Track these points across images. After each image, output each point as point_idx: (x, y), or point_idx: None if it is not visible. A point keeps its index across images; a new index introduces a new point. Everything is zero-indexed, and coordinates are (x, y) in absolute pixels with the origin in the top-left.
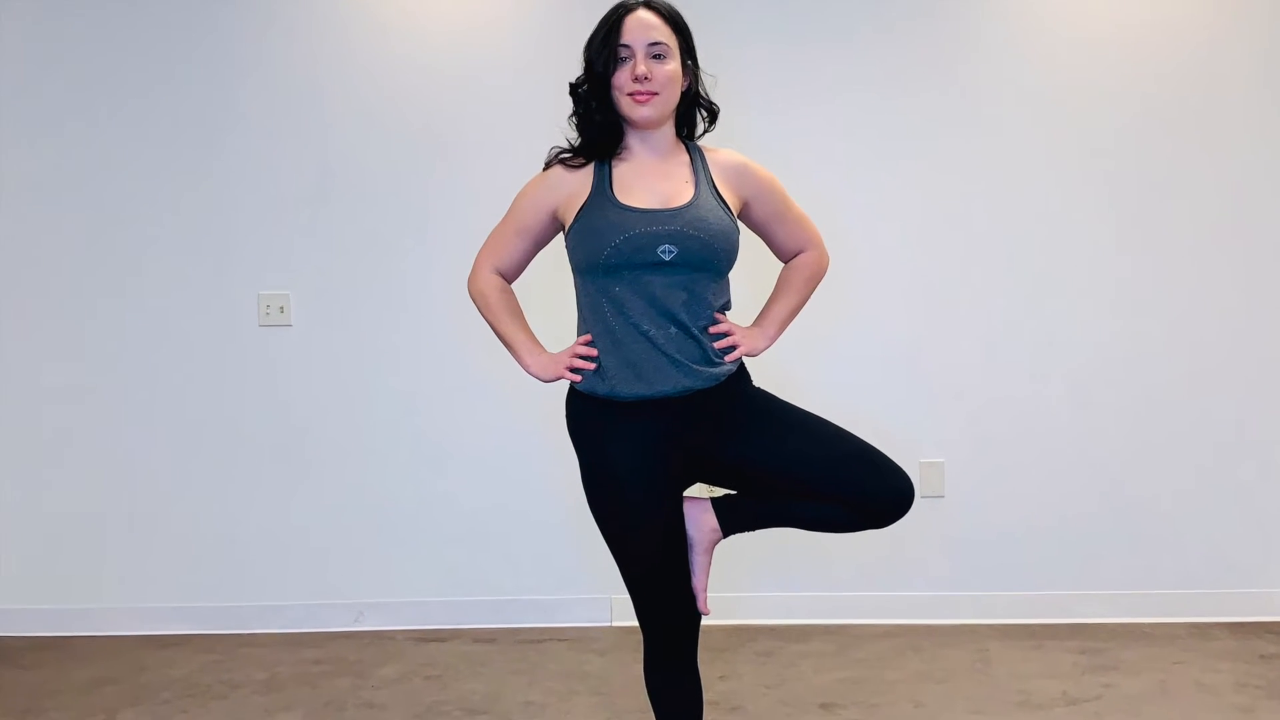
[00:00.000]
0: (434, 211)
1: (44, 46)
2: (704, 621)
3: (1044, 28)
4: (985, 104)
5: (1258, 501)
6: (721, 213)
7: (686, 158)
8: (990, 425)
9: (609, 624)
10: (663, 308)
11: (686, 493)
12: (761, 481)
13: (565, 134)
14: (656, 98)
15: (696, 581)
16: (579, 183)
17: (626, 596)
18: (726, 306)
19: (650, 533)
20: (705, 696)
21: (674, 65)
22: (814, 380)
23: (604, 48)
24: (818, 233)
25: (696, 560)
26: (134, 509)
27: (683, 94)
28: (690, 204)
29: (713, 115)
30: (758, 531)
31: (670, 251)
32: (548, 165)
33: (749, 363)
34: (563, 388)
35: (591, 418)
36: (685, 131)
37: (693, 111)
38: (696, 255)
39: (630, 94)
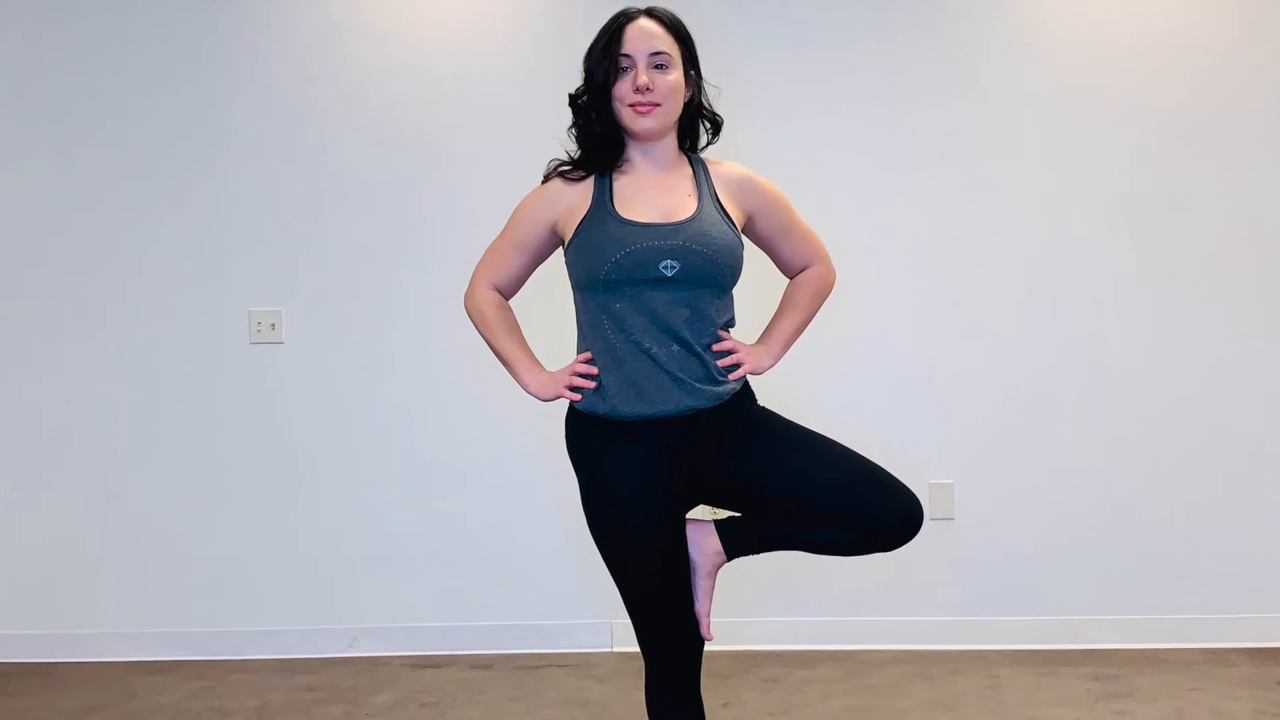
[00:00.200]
0: (430, 226)
1: (29, 58)
2: (707, 647)
3: (1055, 38)
4: (995, 116)
5: (1276, 523)
6: (725, 227)
7: (689, 170)
8: (1001, 446)
9: (610, 650)
10: (665, 325)
11: (689, 515)
12: (766, 503)
13: (564, 146)
14: (658, 109)
15: (699, 606)
16: (578, 196)
17: (628, 621)
18: (730, 323)
19: (652, 556)
20: None
21: (676, 75)
22: (820, 399)
23: (604, 57)
24: (824, 247)
25: (699, 584)
26: (123, 532)
27: (685, 105)
28: (693, 218)
29: (716, 127)
30: (762, 555)
31: (672, 267)
32: (546, 178)
33: (753, 381)
34: (562, 407)
35: (592, 438)
36: (688, 143)
37: (695, 123)
38: (699, 271)
39: (631, 105)
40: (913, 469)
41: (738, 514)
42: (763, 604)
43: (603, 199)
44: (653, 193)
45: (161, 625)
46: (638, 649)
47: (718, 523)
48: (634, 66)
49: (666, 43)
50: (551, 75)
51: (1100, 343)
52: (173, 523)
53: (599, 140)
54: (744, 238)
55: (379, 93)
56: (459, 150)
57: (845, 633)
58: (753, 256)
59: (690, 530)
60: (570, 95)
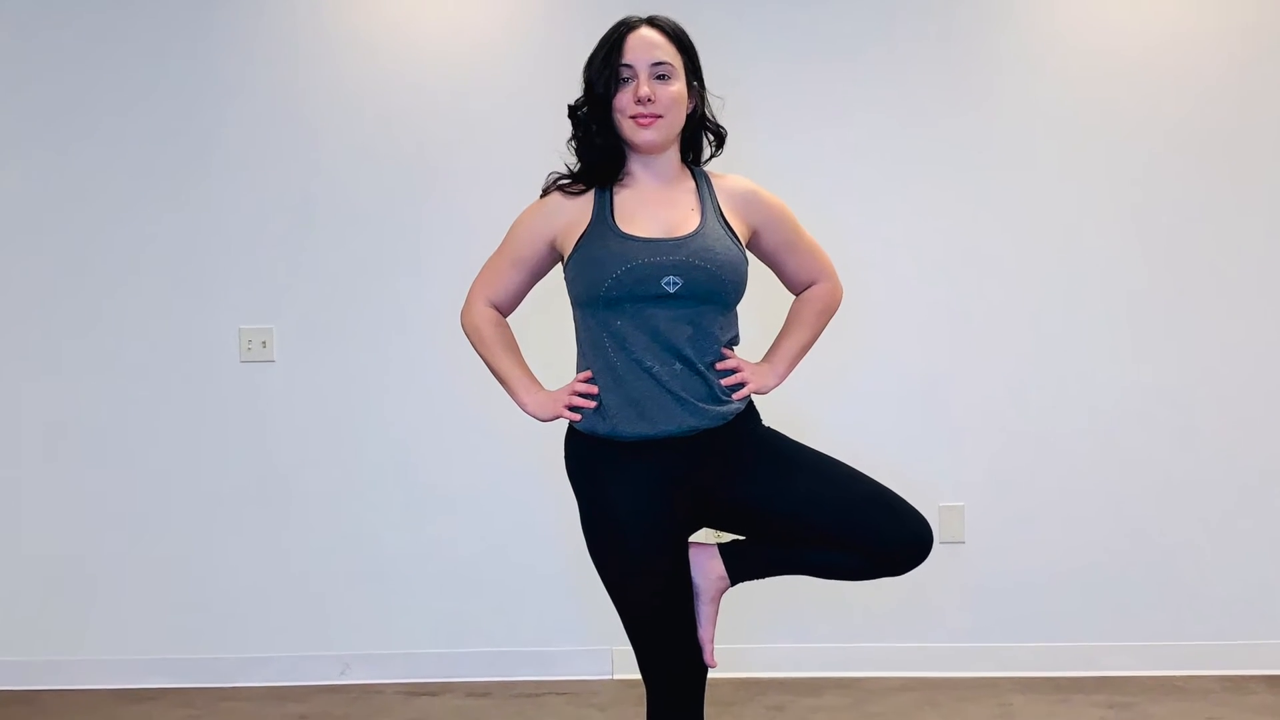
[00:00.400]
0: (425, 241)
1: (12, 67)
2: (710, 674)
3: (1067, 49)
4: (1006, 128)
5: None
6: (729, 242)
7: (692, 184)
8: (1013, 467)
9: (610, 677)
10: (667, 342)
11: (692, 538)
12: (771, 526)
13: (564, 159)
14: (660, 121)
15: (703, 632)
16: (578, 210)
17: (629, 648)
18: (734, 341)
19: (653, 580)
20: None
21: (679, 86)
22: (826, 419)
23: (605, 68)
24: (830, 263)
25: (702, 609)
26: (108, 556)
27: (688, 117)
28: (696, 233)
29: (720, 139)
30: (767, 579)
31: (675, 283)
32: (545, 192)
33: (758, 401)
34: (561, 427)
35: (591, 459)
36: (691, 156)
37: (699, 135)
38: (703, 287)
39: (633, 117)
40: (922, 491)
41: (742, 537)
42: (767, 630)
43: (603, 213)
44: (655, 207)
45: (148, 652)
46: (639, 676)
47: (721, 546)
48: (635, 77)
49: (669, 53)
50: (551, 86)
51: (1114, 360)
52: (160, 546)
53: (599, 153)
54: (748, 253)
55: (373, 104)
56: (455, 163)
57: (852, 659)
58: (757, 272)
59: (693, 554)
60: (570, 107)
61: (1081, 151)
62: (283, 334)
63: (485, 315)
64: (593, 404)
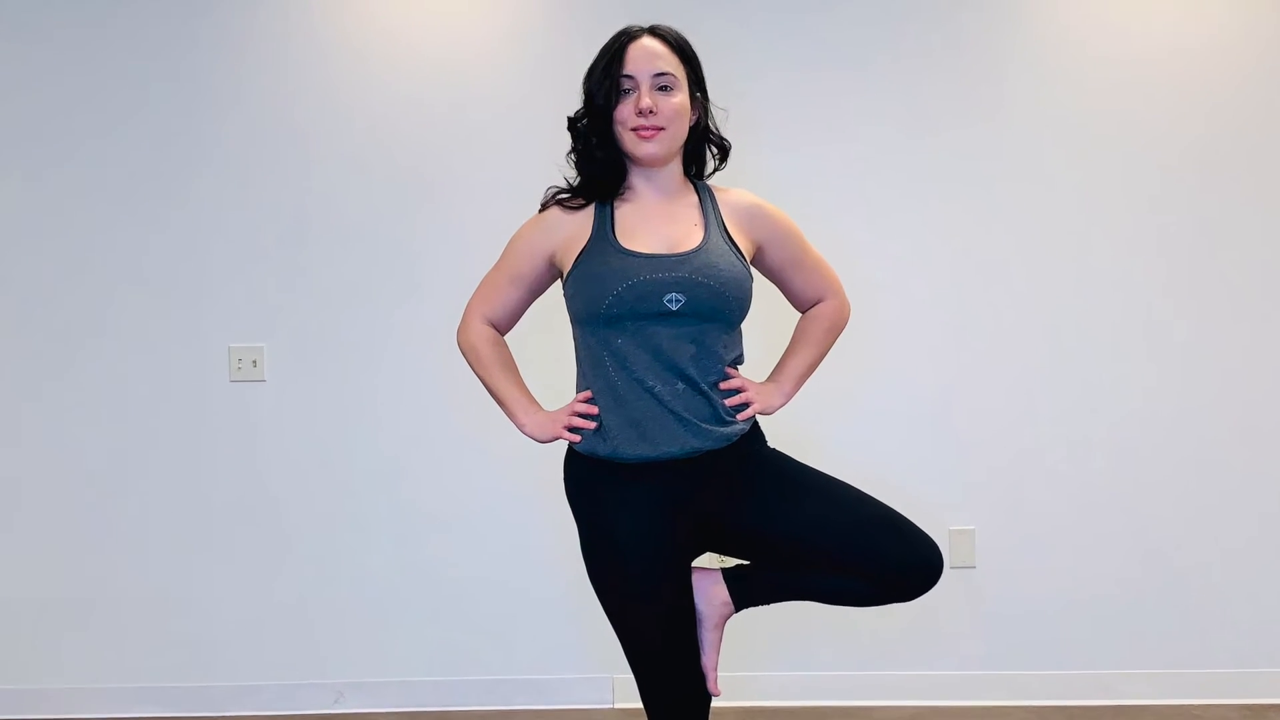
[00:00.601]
0: (421, 257)
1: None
2: (714, 703)
3: (1081, 58)
4: (1018, 140)
5: None
6: (733, 258)
7: (695, 198)
8: (1025, 490)
9: (611, 706)
10: (669, 361)
11: (695, 563)
12: (776, 550)
13: (563, 172)
14: (662, 133)
15: (706, 660)
16: (578, 225)
17: (630, 676)
18: (739, 360)
19: (655, 606)
20: None
21: (681, 97)
22: (833, 440)
23: (605, 78)
24: (838, 280)
25: (706, 636)
26: (94, 580)
27: (691, 129)
28: (699, 248)
29: (723, 152)
30: (773, 605)
31: (677, 300)
32: (544, 206)
33: (763, 421)
34: (560, 449)
35: (592, 481)
36: (694, 170)
37: (702, 148)
38: (706, 304)
39: (634, 129)
40: (932, 514)
41: (746, 562)
42: (772, 657)
43: (603, 228)
44: (656, 222)
45: (136, 680)
46: (640, 705)
47: (725, 571)
48: (637, 88)
49: (671, 63)
50: (550, 97)
51: (1130, 380)
52: (148, 571)
53: (600, 166)
54: (753, 269)
55: (366, 116)
56: (451, 176)
57: (860, 688)
58: (762, 289)
59: (696, 579)
60: (569, 119)
61: (1095, 163)
62: (274, 353)
63: (482, 333)
64: (593, 425)
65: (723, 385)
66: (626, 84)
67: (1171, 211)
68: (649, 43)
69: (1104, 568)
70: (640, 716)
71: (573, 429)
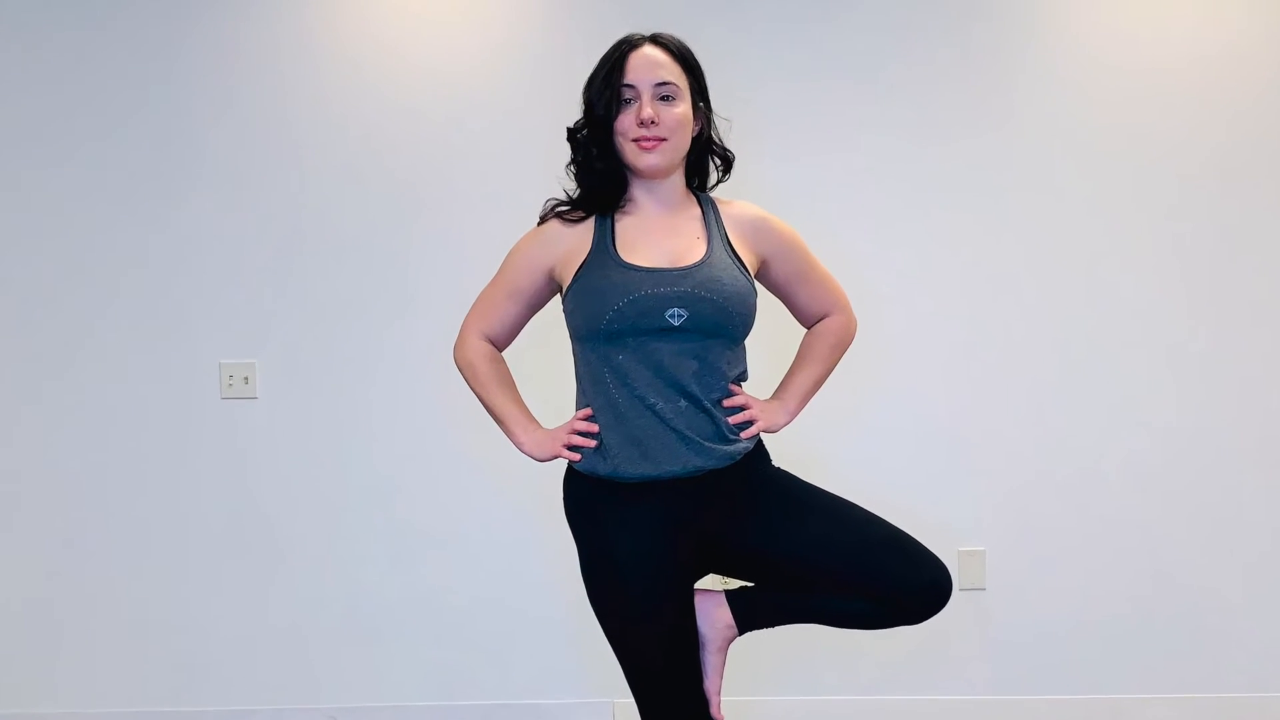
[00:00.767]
0: (416, 271)
1: None
2: None
3: (1094, 66)
4: (1029, 150)
5: None
6: (737, 272)
7: (698, 211)
8: (1037, 510)
9: None
10: (671, 378)
11: (698, 585)
12: (781, 571)
13: (562, 184)
14: (664, 144)
15: (709, 684)
16: (577, 239)
17: (631, 701)
18: (742, 377)
19: (657, 629)
20: None
21: (684, 108)
22: (840, 459)
23: (606, 88)
24: (844, 295)
25: (709, 660)
26: (81, 603)
27: (693, 140)
28: (702, 262)
29: (727, 163)
30: (777, 628)
31: (680, 315)
32: (543, 219)
33: (768, 440)
34: (560, 468)
35: (592, 501)
36: (696, 182)
37: (704, 159)
38: (709, 320)
39: (635, 140)
40: (940, 534)
41: (750, 583)
42: (777, 681)
43: (604, 242)
44: (658, 235)
45: (124, 705)
46: None
47: (729, 593)
48: (638, 98)
49: (673, 72)
50: (549, 107)
51: (1144, 397)
52: (136, 593)
53: (600, 178)
54: (757, 284)
55: (360, 126)
56: (448, 188)
57: (866, 713)
58: (766, 304)
59: (699, 601)
60: (569, 129)
61: (1109, 175)
62: (266, 369)
63: (480, 350)
64: (593, 443)
65: (726, 403)
66: (627, 94)
67: (1187, 224)
68: (651, 51)
69: (1117, 591)
70: None
71: (572, 447)
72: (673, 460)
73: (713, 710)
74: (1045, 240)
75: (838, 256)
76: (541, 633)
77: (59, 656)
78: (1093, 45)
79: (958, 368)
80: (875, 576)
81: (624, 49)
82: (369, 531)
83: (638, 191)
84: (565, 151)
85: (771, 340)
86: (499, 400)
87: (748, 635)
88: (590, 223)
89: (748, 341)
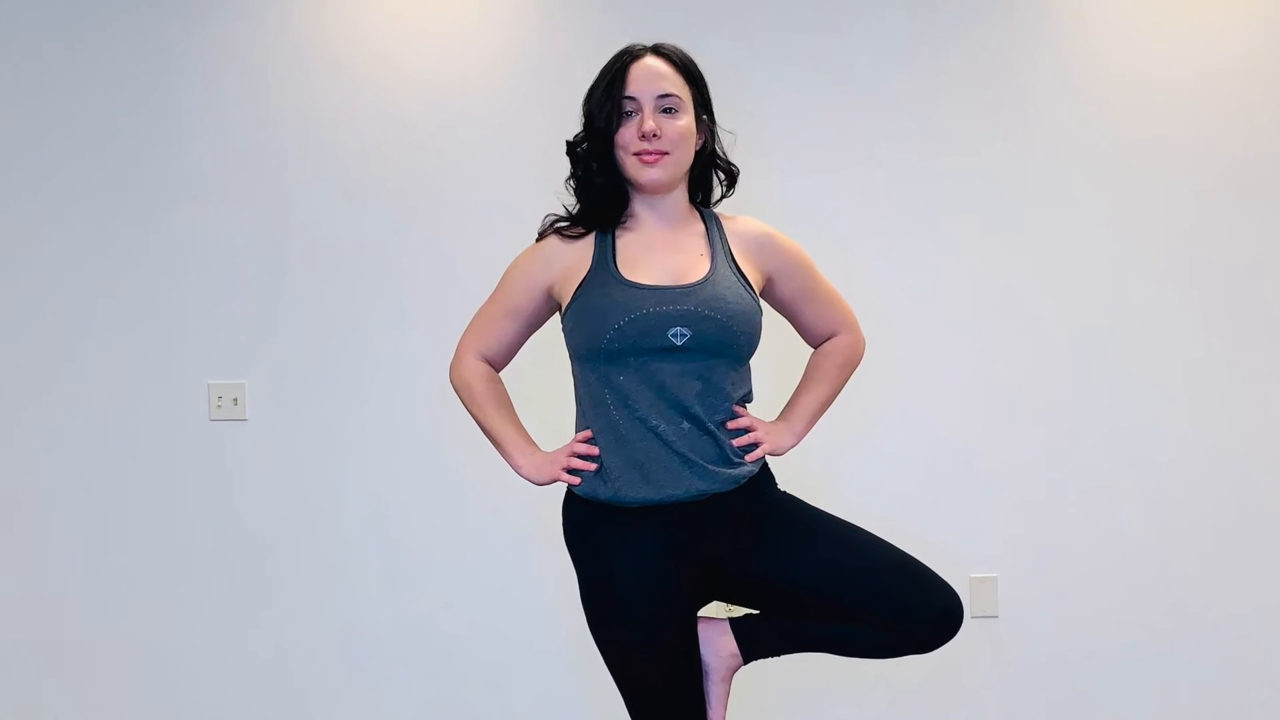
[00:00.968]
0: (410, 289)
1: None
2: None
3: (1111, 78)
4: (1043, 164)
5: None
6: (741, 290)
7: (701, 227)
8: (1051, 536)
9: None
10: (674, 399)
11: (701, 613)
12: (787, 598)
13: (562, 199)
14: (666, 158)
15: (713, 714)
16: (577, 256)
17: None
18: (747, 398)
19: (658, 657)
20: None
21: (686, 120)
22: (847, 483)
23: (606, 100)
24: (852, 313)
25: (713, 690)
26: (64, 634)
27: (697, 153)
28: (705, 280)
29: (731, 178)
30: (783, 656)
31: (682, 335)
32: (541, 235)
33: (773, 463)
34: (559, 492)
35: (592, 526)
36: (700, 197)
37: (708, 173)
38: (712, 339)
39: (637, 153)
40: (952, 561)
41: (755, 611)
42: (783, 712)
43: (604, 259)
44: (660, 252)
45: None
46: None
47: (733, 621)
48: (639, 110)
49: (676, 84)
50: (546, 119)
51: (1161, 420)
52: (121, 619)
53: (600, 193)
54: (763, 302)
55: (352, 139)
56: (443, 204)
57: None
58: (772, 322)
59: (702, 629)
60: (568, 143)
61: (1125, 189)
62: (255, 390)
63: (476, 370)
64: (593, 466)
65: (730, 424)
66: (629, 106)
67: (1206, 241)
68: (652, 62)
69: (1133, 619)
70: None
71: (572, 470)
72: (675, 484)
73: None
74: (1058, 257)
75: (845, 273)
76: (540, 662)
77: (42, 681)
78: (1109, 56)
79: (969, 388)
80: (884, 604)
81: (625, 60)
82: (361, 557)
83: (639, 207)
84: (563, 164)
85: (777, 360)
86: (496, 422)
87: (752, 664)
88: (590, 239)
89: (753, 361)
